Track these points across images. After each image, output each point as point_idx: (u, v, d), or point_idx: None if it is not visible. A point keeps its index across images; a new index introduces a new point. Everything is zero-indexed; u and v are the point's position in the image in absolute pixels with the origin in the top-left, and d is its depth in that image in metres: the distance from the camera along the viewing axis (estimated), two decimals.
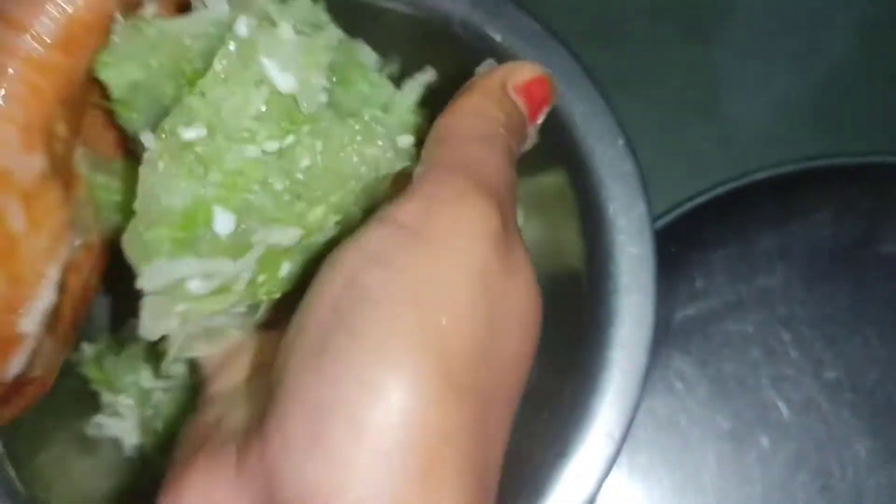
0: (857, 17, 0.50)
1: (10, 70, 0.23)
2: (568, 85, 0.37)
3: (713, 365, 0.44)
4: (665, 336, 0.44)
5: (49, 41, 0.23)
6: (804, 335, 0.44)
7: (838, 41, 0.49)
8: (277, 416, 0.19)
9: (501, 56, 0.38)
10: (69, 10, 0.23)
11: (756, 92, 0.49)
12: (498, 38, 0.37)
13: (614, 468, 0.43)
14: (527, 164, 0.40)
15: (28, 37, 0.23)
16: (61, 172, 0.25)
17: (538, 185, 0.41)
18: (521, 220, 0.41)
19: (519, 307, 0.21)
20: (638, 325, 0.34)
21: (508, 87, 0.25)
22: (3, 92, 0.23)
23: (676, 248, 0.44)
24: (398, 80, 0.32)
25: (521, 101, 0.25)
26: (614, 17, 0.50)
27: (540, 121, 0.26)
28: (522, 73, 0.26)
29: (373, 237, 0.20)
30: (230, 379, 0.29)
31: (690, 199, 0.44)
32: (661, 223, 0.44)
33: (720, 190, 0.44)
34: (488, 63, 0.27)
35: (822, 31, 0.49)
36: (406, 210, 0.21)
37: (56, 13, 0.23)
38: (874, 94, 0.48)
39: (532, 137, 0.27)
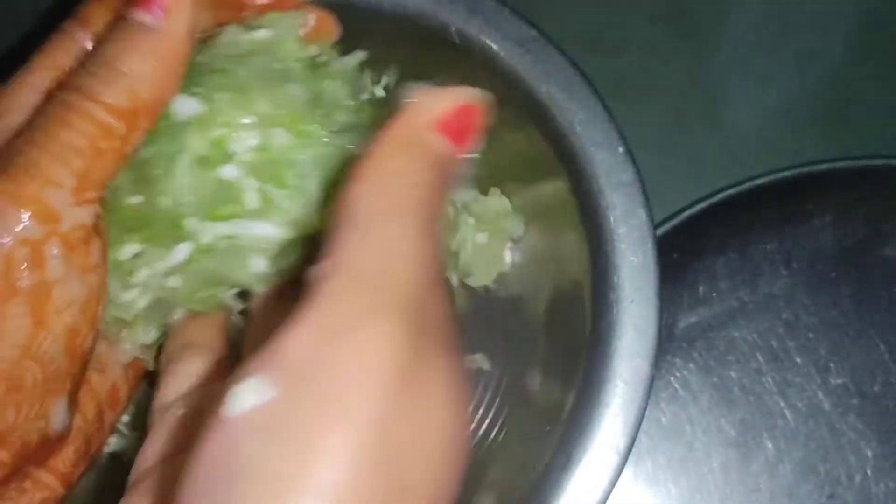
0: (856, 21, 0.49)
1: (79, 127, 0.25)
2: (567, 92, 0.36)
3: (717, 372, 0.43)
4: (668, 344, 0.44)
5: (116, 112, 0.26)
6: (809, 341, 0.44)
7: (838, 45, 0.49)
8: None
9: (498, 64, 0.38)
10: (138, 91, 0.26)
11: (756, 97, 0.48)
12: (495, 46, 0.37)
13: (620, 477, 0.43)
14: (527, 173, 0.40)
15: (100, 106, 0.26)
16: (101, 234, 0.27)
17: (538, 194, 0.40)
18: (520, 229, 0.41)
19: (431, 444, 0.19)
20: (641, 335, 0.33)
21: (427, 127, 0.22)
22: (69, 142, 0.25)
23: (678, 255, 0.44)
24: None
25: (444, 139, 0.22)
26: (613, 24, 0.50)
27: (470, 152, 0.23)
28: (441, 104, 0.22)
29: (254, 385, 0.18)
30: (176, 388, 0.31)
31: (691, 205, 0.44)
32: (662, 230, 0.44)
33: (721, 196, 0.44)
34: (411, 87, 0.24)
35: (821, 35, 0.49)
36: (296, 344, 0.18)
37: (126, 91, 0.26)
38: (875, 97, 0.48)
39: (465, 171, 0.23)
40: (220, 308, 0.32)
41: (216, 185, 0.28)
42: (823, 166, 0.44)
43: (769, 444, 0.43)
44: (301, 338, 0.18)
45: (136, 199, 0.29)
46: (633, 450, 0.43)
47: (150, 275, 0.29)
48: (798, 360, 0.43)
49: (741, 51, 0.49)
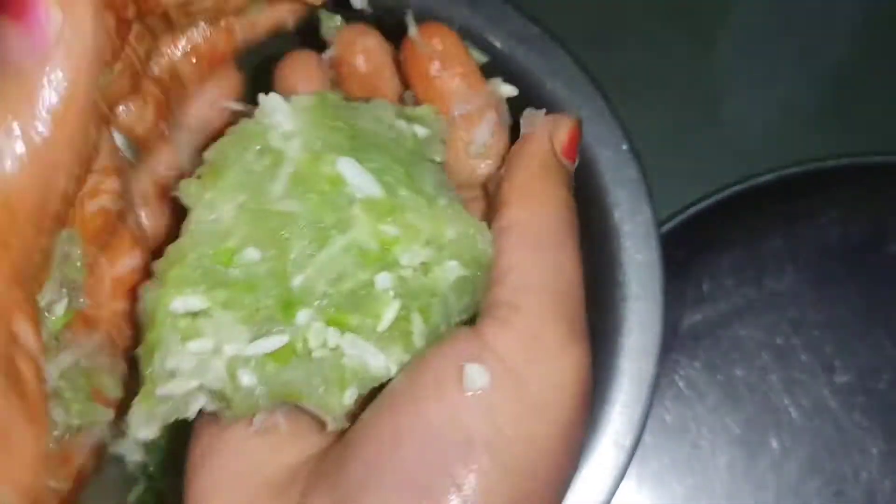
0: (859, 16, 0.49)
1: None
2: (571, 89, 0.36)
3: (722, 370, 0.43)
4: (673, 341, 0.43)
5: None
6: (814, 338, 0.43)
7: (841, 40, 0.49)
8: None
9: (501, 62, 0.37)
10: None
11: (760, 93, 0.48)
12: (498, 43, 0.37)
13: (624, 476, 0.42)
14: None
15: None
16: None
17: None
18: None
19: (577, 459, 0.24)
20: (646, 332, 0.33)
21: (560, 151, 0.25)
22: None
23: (683, 252, 0.44)
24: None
25: (569, 161, 0.26)
26: (615, 21, 0.49)
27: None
28: (564, 129, 0.26)
29: (475, 370, 0.21)
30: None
31: (696, 202, 0.44)
32: (667, 227, 0.43)
33: (726, 193, 0.44)
34: (530, 114, 0.27)
35: (824, 30, 0.49)
36: (505, 343, 0.22)
37: None
38: (879, 93, 0.48)
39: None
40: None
41: (361, 287, 0.23)
42: (829, 163, 0.44)
43: (775, 443, 0.43)
44: (509, 344, 0.22)
45: (252, 254, 0.23)
46: (639, 448, 0.42)
47: (208, 349, 0.23)
48: (804, 357, 0.43)
49: (744, 47, 0.49)
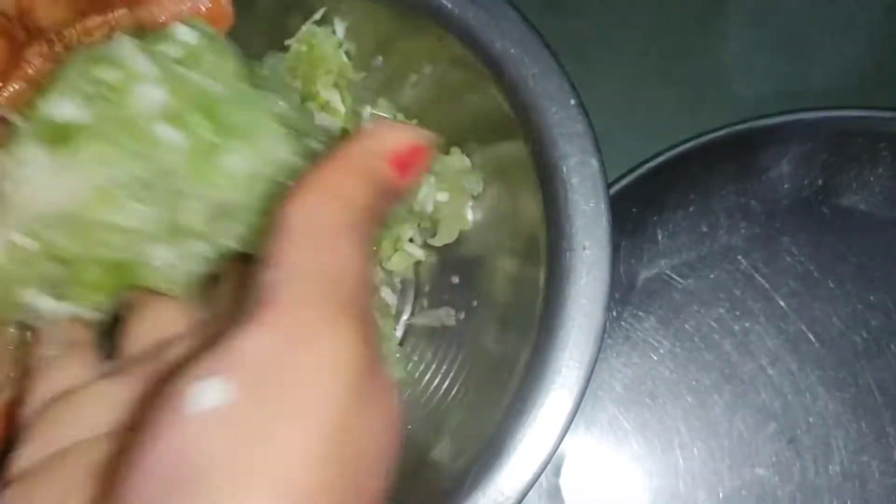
0: None
1: None
2: (520, 48, 0.37)
3: (678, 323, 0.44)
4: (629, 296, 0.44)
5: None
6: (766, 290, 0.44)
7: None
8: None
9: (452, 22, 0.38)
10: None
11: (713, 53, 0.49)
12: (449, 4, 0.37)
13: (582, 430, 0.43)
14: (486, 133, 0.41)
15: None
16: None
17: (497, 153, 0.41)
18: (480, 186, 0.42)
19: (379, 436, 0.20)
20: (594, 279, 0.34)
21: (381, 156, 0.23)
22: None
23: (637, 208, 0.44)
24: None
25: (392, 170, 0.23)
26: None
27: (411, 187, 0.24)
28: (396, 137, 0.23)
29: (215, 385, 0.18)
30: None
31: (650, 159, 0.45)
32: (621, 184, 0.44)
33: (679, 150, 0.44)
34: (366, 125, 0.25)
35: None
36: (256, 347, 0.19)
37: None
38: (829, 47, 0.49)
39: (401, 202, 0.25)
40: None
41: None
42: (779, 119, 0.45)
43: (728, 393, 0.44)
44: (262, 340, 0.19)
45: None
46: (594, 401, 0.43)
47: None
48: (756, 308, 0.44)
49: (700, 7, 0.50)
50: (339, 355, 0.19)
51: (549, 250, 0.36)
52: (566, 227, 0.35)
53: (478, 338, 0.40)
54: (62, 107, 0.24)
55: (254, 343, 0.19)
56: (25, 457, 0.24)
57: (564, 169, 0.36)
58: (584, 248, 0.34)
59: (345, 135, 0.29)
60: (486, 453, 0.34)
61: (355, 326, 0.20)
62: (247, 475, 0.17)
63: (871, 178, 0.45)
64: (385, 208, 0.23)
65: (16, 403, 0.26)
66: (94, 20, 0.28)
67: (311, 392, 0.18)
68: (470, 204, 0.42)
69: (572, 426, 0.34)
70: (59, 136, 0.24)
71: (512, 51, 0.37)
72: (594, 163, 0.36)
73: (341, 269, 0.20)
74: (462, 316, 0.42)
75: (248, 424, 0.18)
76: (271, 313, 0.19)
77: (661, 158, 0.44)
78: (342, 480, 0.18)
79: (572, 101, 0.36)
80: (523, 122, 0.37)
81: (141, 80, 0.25)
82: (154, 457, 0.18)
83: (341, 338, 0.19)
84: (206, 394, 0.18)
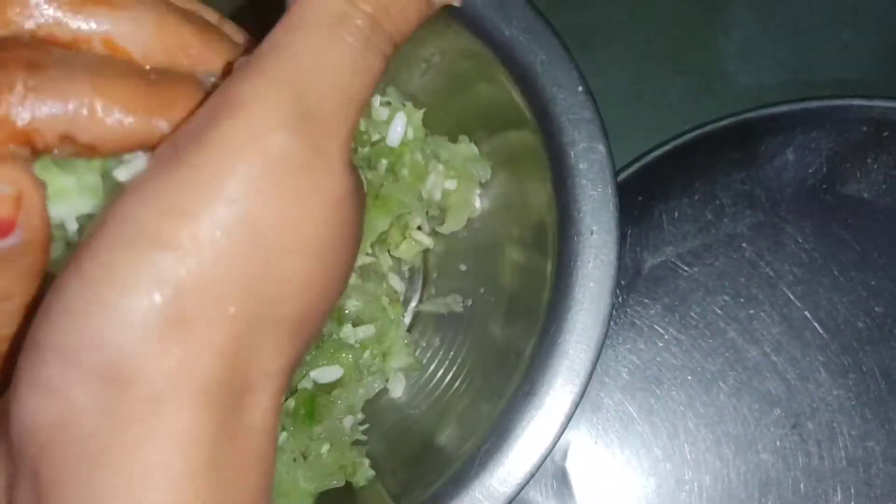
0: None
1: None
2: (529, 34, 0.37)
3: (683, 310, 0.44)
4: (635, 283, 0.45)
5: None
6: (771, 278, 0.45)
7: None
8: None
9: (460, 10, 0.38)
10: None
11: (720, 43, 0.49)
12: None
13: (588, 415, 0.44)
14: (494, 121, 0.41)
15: None
16: None
17: (505, 141, 0.41)
18: (488, 173, 0.42)
19: (307, 228, 0.19)
20: (601, 263, 0.34)
21: None
22: None
23: (643, 197, 0.45)
24: None
25: None
26: None
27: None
28: None
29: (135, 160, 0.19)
30: None
31: (656, 147, 0.45)
32: (627, 173, 0.45)
33: (685, 138, 0.45)
34: None
35: None
36: (185, 129, 0.18)
37: None
38: (834, 37, 0.49)
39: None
40: None
41: None
42: (783, 108, 0.45)
43: (734, 379, 0.44)
44: (191, 121, 0.18)
45: None
46: (600, 387, 0.44)
47: None
48: (761, 296, 0.44)
49: (705, 1, 0.50)
50: (260, 125, 0.18)
51: (556, 235, 0.36)
52: (574, 212, 0.35)
53: (485, 324, 0.41)
54: None
55: (179, 130, 0.19)
56: None
57: (572, 154, 0.36)
58: (591, 233, 0.35)
59: None
60: (493, 436, 0.34)
61: (285, 108, 0.18)
62: (159, 234, 0.17)
63: (875, 167, 0.45)
64: (393, 25, 0.20)
65: None
66: None
67: (227, 166, 0.17)
68: (478, 191, 0.43)
69: (579, 411, 0.34)
70: None
71: (520, 38, 0.37)
72: (601, 148, 0.36)
73: (312, 58, 0.19)
74: (469, 303, 0.42)
75: (163, 188, 0.17)
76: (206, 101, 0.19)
77: (666, 147, 0.45)
78: (250, 259, 0.18)
79: (580, 88, 0.37)
80: (531, 109, 0.37)
81: None
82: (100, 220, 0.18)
83: (265, 111, 0.18)
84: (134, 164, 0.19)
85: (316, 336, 0.20)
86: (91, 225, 0.18)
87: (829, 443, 0.43)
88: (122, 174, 0.19)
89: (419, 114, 0.41)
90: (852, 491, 0.43)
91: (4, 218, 0.18)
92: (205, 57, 0.21)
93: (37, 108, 0.18)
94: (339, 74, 0.19)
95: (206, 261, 0.17)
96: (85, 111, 0.19)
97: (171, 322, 0.17)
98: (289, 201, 0.18)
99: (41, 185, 0.19)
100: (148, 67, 0.20)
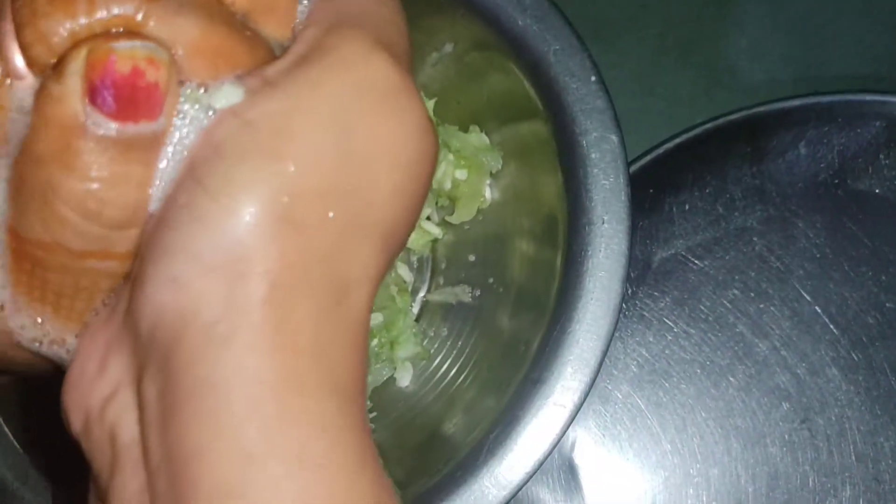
0: None
1: None
2: (542, 24, 0.37)
3: (692, 303, 0.44)
4: (644, 276, 0.44)
5: None
6: (781, 272, 0.44)
7: None
8: (135, 271, 0.20)
9: (475, 1, 0.38)
10: None
11: (732, 37, 0.49)
12: None
13: (596, 408, 0.44)
14: (505, 111, 0.41)
15: None
16: None
17: (516, 131, 0.41)
18: (499, 163, 0.42)
19: (400, 143, 0.21)
20: (612, 253, 0.34)
21: None
22: None
23: (654, 189, 0.45)
24: None
25: None
26: None
27: None
28: None
29: (230, 88, 0.20)
30: None
31: (667, 140, 0.45)
32: (638, 165, 0.44)
33: (696, 131, 0.45)
34: None
35: None
36: (272, 68, 0.20)
37: None
38: (845, 32, 0.49)
39: None
40: None
41: None
42: (795, 102, 0.45)
43: (744, 373, 0.44)
44: (279, 64, 0.20)
45: None
46: (609, 379, 0.44)
47: None
48: (771, 291, 0.44)
49: None
50: (358, 60, 0.20)
51: (567, 225, 0.36)
52: (585, 202, 0.35)
53: (494, 315, 0.41)
54: None
55: (269, 67, 0.20)
56: None
57: (584, 144, 0.36)
58: (602, 223, 0.35)
59: None
60: (502, 424, 0.34)
61: (380, 48, 0.20)
62: (245, 155, 0.19)
63: (888, 163, 0.45)
64: None
65: None
66: None
67: (323, 82, 0.20)
68: (488, 182, 0.43)
69: (587, 404, 0.34)
70: None
71: (534, 27, 0.37)
72: (614, 138, 0.36)
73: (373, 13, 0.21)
74: (478, 293, 0.42)
75: (257, 116, 0.19)
76: (288, 51, 0.20)
77: (677, 140, 0.45)
78: (346, 171, 0.20)
79: (593, 78, 0.37)
80: (543, 99, 0.37)
81: None
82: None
83: (361, 51, 0.20)
84: (227, 93, 0.20)
85: (401, 249, 0.22)
86: (194, 144, 0.20)
87: (839, 438, 0.43)
88: (218, 102, 0.20)
89: (430, 103, 0.41)
90: (861, 486, 0.43)
91: (154, 83, 0.19)
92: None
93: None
94: (396, 24, 0.22)
95: (313, 172, 0.19)
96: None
97: (284, 224, 0.19)
98: (385, 117, 0.20)
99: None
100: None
